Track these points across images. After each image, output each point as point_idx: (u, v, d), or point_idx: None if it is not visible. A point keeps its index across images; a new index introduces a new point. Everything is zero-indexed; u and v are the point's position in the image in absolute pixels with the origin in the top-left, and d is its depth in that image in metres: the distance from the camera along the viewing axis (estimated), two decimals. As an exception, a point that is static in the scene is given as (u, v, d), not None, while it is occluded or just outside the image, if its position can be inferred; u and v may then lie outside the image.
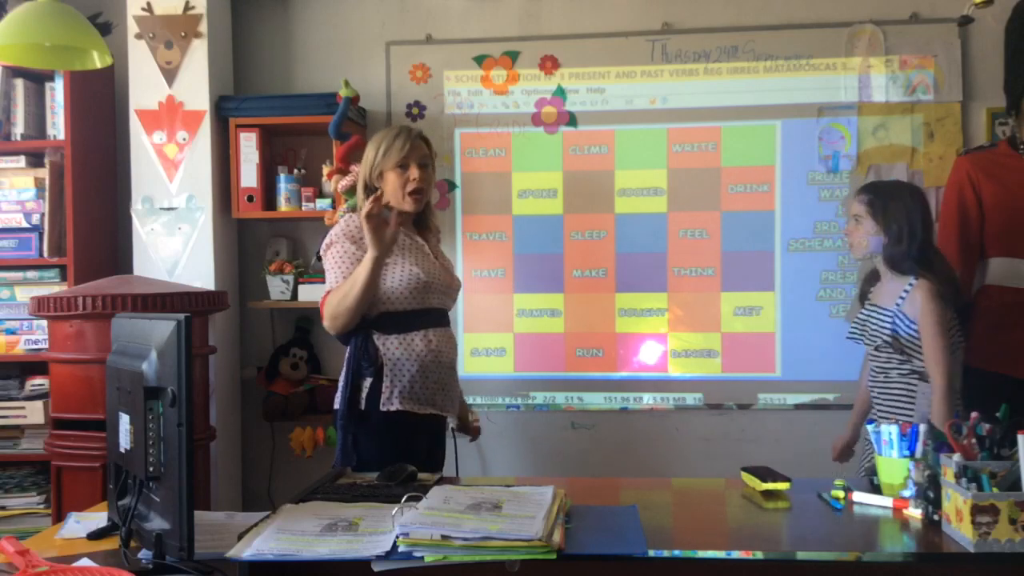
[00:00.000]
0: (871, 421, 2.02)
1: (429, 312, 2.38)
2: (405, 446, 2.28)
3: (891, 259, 2.46)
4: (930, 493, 1.68)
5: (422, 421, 2.35)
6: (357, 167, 3.14)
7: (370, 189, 2.40)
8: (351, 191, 3.15)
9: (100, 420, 2.36)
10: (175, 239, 3.26)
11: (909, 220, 2.44)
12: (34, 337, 3.13)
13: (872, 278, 2.60)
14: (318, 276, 3.34)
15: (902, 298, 2.42)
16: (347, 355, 2.39)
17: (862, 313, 2.57)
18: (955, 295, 2.47)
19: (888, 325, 2.43)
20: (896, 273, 2.46)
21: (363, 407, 2.32)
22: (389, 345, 2.33)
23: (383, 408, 2.30)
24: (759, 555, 1.51)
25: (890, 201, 2.46)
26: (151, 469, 1.53)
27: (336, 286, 2.30)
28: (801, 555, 1.52)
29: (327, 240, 2.40)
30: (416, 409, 2.33)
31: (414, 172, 2.36)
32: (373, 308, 2.32)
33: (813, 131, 3.33)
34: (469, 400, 3.41)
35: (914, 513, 1.71)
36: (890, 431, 1.84)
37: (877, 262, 2.53)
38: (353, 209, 3.13)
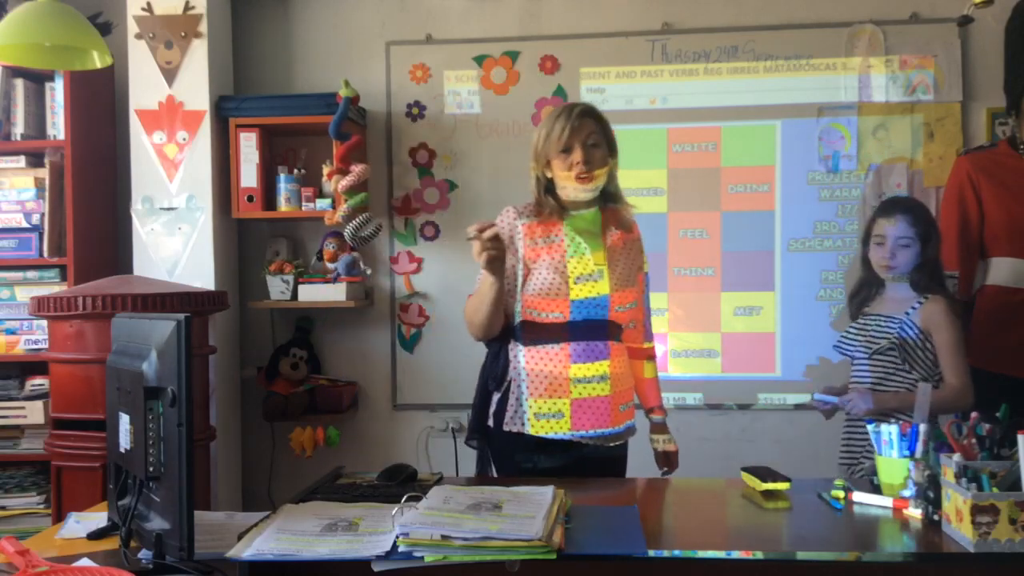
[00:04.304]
0: (871, 421, 2.02)
1: (578, 324, 2.11)
2: (543, 471, 2.06)
3: (920, 277, 2.47)
4: (930, 493, 1.68)
5: (569, 445, 2.11)
6: (357, 167, 3.15)
7: (541, 182, 2.18)
8: (351, 191, 3.15)
9: (100, 420, 2.36)
10: (175, 239, 3.26)
11: (936, 239, 2.50)
12: (34, 337, 3.13)
13: (864, 295, 2.59)
14: (318, 276, 3.34)
15: (914, 308, 2.43)
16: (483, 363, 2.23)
17: (857, 323, 2.54)
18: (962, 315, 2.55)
19: (895, 329, 2.43)
20: (909, 288, 2.47)
21: (491, 424, 2.15)
22: (523, 358, 2.13)
23: (506, 428, 2.12)
24: (759, 555, 1.51)
25: (929, 221, 2.51)
26: (151, 469, 1.53)
27: (475, 292, 2.13)
28: (801, 555, 1.52)
29: None
30: (546, 433, 2.09)
31: (578, 154, 2.10)
32: (514, 316, 2.14)
33: (813, 131, 3.33)
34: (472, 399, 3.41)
35: (914, 513, 1.71)
36: (890, 431, 1.84)
37: (892, 278, 2.50)
38: (355, 209, 3.13)
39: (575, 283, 2.09)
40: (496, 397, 2.15)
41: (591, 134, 2.12)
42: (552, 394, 2.10)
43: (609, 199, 2.22)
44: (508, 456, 2.14)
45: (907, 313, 2.43)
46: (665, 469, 2.33)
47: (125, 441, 1.63)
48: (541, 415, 2.10)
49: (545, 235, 2.15)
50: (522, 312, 2.15)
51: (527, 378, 2.12)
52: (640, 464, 2.26)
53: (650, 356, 2.36)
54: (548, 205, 2.16)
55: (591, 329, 2.12)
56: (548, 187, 2.18)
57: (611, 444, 2.17)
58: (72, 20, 2.31)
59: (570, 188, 2.13)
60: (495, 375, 2.15)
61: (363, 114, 3.44)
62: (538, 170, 2.17)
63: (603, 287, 2.12)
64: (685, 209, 3.38)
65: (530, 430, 2.10)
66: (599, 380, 2.11)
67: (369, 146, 3.46)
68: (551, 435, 2.10)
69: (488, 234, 1.92)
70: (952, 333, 2.41)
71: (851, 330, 2.55)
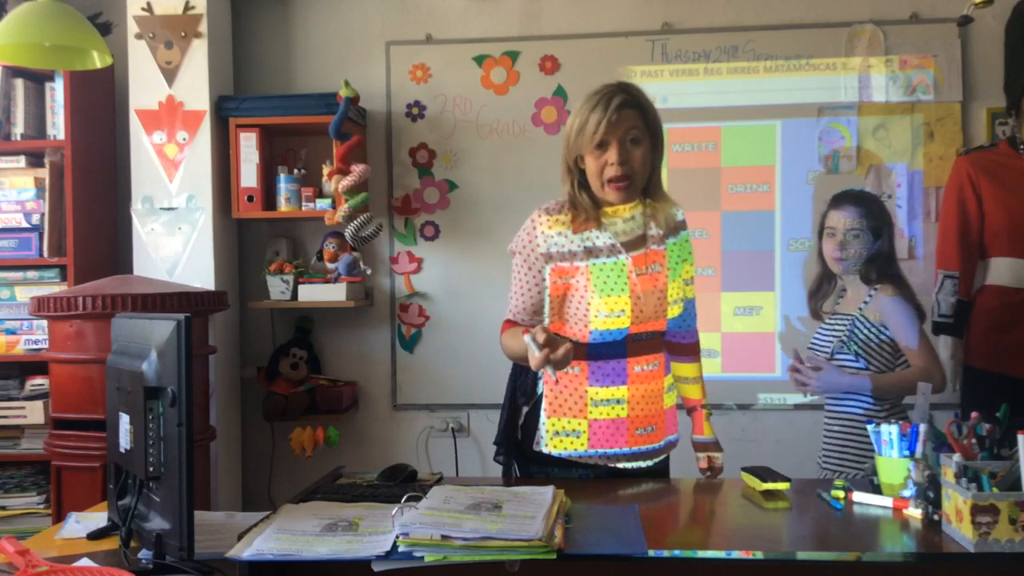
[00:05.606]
0: (870, 421, 2.02)
1: (608, 342, 1.95)
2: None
3: (869, 271, 2.49)
4: (930, 493, 1.68)
5: (599, 465, 1.99)
6: (357, 167, 3.15)
7: (574, 173, 1.94)
8: (351, 191, 3.15)
9: (100, 420, 2.36)
10: (175, 239, 3.26)
11: (888, 235, 2.52)
12: (34, 337, 3.13)
13: (824, 291, 2.61)
14: (318, 276, 3.34)
15: (865, 303, 2.44)
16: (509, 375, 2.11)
17: (826, 324, 2.57)
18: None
19: (847, 327, 2.45)
20: (863, 283, 2.49)
21: (520, 437, 2.04)
22: (541, 380, 2.01)
23: (535, 447, 1.99)
24: (759, 555, 1.51)
25: (881, 216, 2.50)
26: (151, 469, 1.53)
27: (511, 318, 1.99)
28: (801, 555, 1.52)
29: (511, 245, 2.04)
30: (560, 451, 1.98)
31: (613, 154, 1.85)
32: None
33: (813, 131, 3.33)
34: (472, 400, 3.41)
35: (914, 513, 1.71)
36: (890, 431, 1.83)
37: (842, 271, 2.53)
38: (356, 209, 3.13)
39: (595, 318, 1.93)
40: (525, 411, 2.04)
41: (631, 129, 1.87)
42: (574, 415, 1.98)
43: (649, 195, 1.99)
44: (536, 471, 2.04)
45: (860, 309, 2.45)
46: (708, 474, 2.19)
47: (125, 441, 1.63)
48: (558, 433, 1.99)
49: (569, 274, 1.94)
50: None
51: (544, 398, 2.01)
52: (677, 466, 2.23)
53: (685, 356, 2.20)
54: (584, 207, 1.93)
55: (636, 342, 1.99)
56: (583, 179, 1.94)
57: (648, 463, 2.05)
58: (72, 20, 2.31)
59: (601, 191, 1.92)
60: (524, 388, 2.03)
61: (363, 114, 3.44)
62: (570, 159, 1.94)
63: (625, 322, 1.94)
64: (685, 209, 3.34)
65: (545, 448, 2.00)
66: (615, 403, 1.98)
67: (369, 146, 3.46)
68: (566, 453, 1.99)
69: (560, 354, 1.68)
70: (904, 315, 2.46)
71: (820, 331, 2.58)
